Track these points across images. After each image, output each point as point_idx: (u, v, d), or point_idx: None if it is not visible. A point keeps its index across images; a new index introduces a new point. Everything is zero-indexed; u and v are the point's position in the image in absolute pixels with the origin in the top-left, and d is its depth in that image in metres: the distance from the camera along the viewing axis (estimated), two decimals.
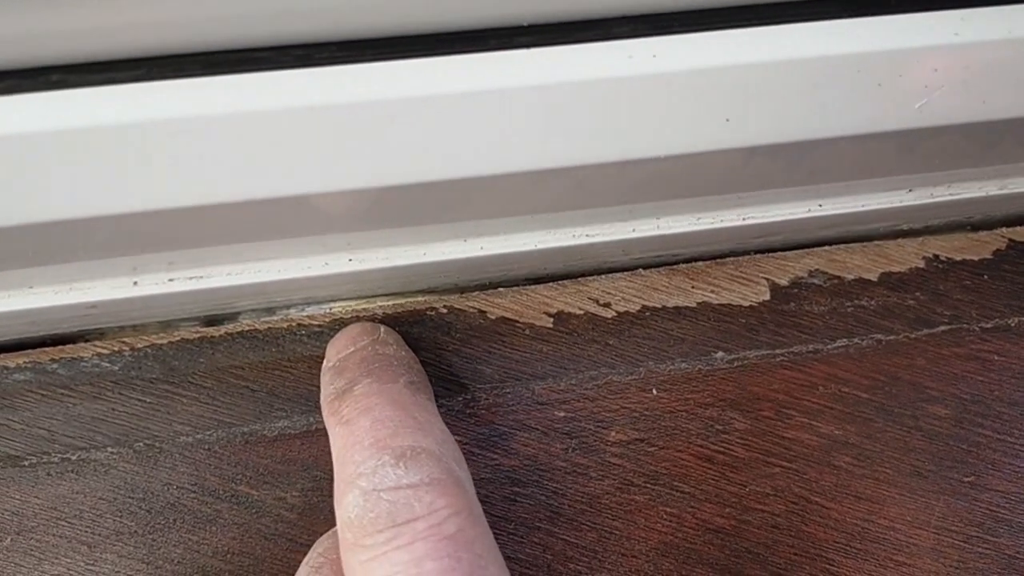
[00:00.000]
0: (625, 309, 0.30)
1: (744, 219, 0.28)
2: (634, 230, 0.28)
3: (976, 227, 0.32)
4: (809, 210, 0.28)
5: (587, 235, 0.28)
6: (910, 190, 0.28)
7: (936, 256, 0.31)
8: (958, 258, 0.31)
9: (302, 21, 0.21)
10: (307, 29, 0.21)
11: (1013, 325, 0.31)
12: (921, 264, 0.31)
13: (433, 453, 0.22)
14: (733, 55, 0.21)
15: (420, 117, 0.21)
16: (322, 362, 0.28)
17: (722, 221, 0.28)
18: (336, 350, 0.26)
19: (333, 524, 0.26)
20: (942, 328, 0.30)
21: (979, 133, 0.25)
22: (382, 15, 0.21)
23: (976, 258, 0.31)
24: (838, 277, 0.30)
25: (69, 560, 0.27)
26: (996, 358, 0.30)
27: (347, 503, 0.21)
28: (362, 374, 0.25)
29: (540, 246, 0.27)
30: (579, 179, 0.24)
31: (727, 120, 0.22)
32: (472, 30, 0.21)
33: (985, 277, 0.31)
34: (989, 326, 0.30)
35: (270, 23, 0.21)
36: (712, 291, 0.30)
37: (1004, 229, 0.32)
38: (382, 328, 0.27)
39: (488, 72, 0.21)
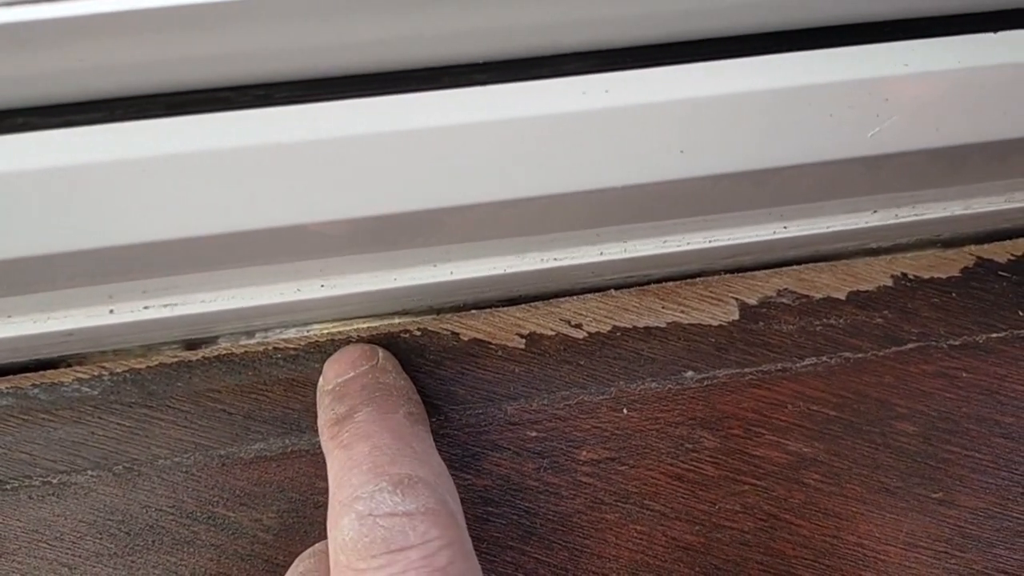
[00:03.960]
0: (596, 330, 0.30)
1: (710, 241, 0.28)
2: (602, 253, 0.28)
3: (946, 245, 0.33)
4: (774, 232, 0.29)
5: (555, 259, 0.28)
6: (874, 211, 0.29)
7: (904, 274, 0.31)
8: (926, 276, 0.31)
9: (275, 61, 0.22)
10: (276, 68, 0.22)
11: (981, 342, 0.31)
12: (889, 282, 0.31)
13: (429, 483, 0.22)
14: (684, 89, 0.21)
15: (387, 151, 0.22)
16: (299, 384, 0.28)
17: (688, 244, 0.28)
18: (335, 373, 0.27)
19: (309, 544, 0.27)
20: (910, 345, 0.31)
21: (936, 158, 0.25)
22: (349, 55, 0.22)
23: (944, 276, 0.31)
24: (806, 296, 0.31)
25: None
26: (964, 375, 0.31)
27: (343, 525, 0.21)
28: (363, 402, 0.25)
29: (509, 270, 0.28)
30: (542, 207, 0.24)
31: (681, 151, 0.22)
32: (433, 68, 0.22)
33: (953, 295, 0.31)
34: (957, 343, 0.31)
35: (240, 63, 0.21)
36: (682, 311, 0.30)
37: (972, 247, 0.32)
38: (380, 353, 0.28)
39: (449, 108, 0.22)
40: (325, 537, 0.27)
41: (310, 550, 0.25)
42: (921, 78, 0.22)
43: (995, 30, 0.23)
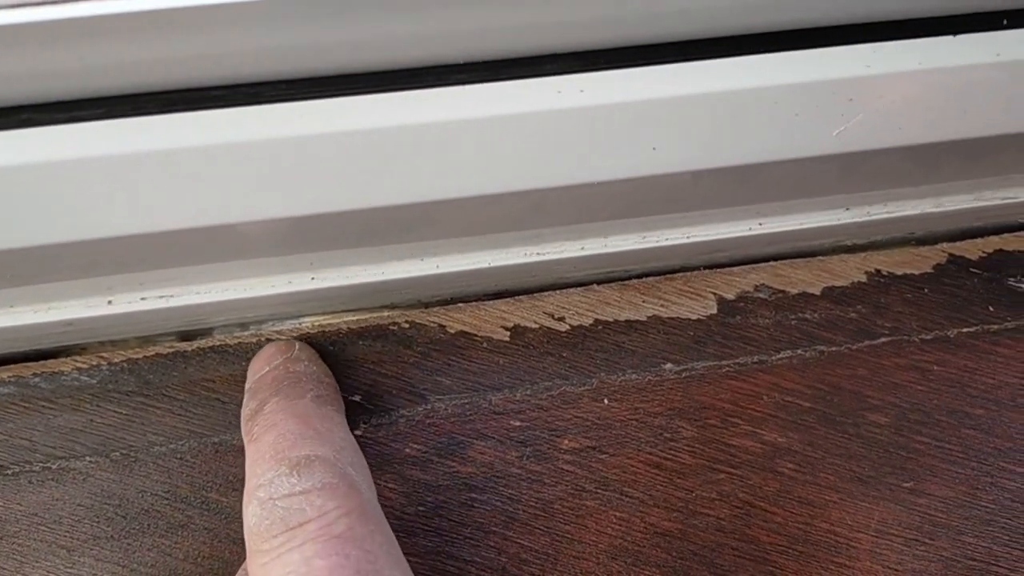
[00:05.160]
0: (579, 323, 0.31)
1: (688, 237, 0.29)
2: (583, 248, 0.29)
3: (920, 242, 0.34)
4: (750, 228, 0.30)
5: (538, 253, 0.29)
6: (847, 208, 0.30)
7: (878, 271, 0.32)
8: (899, 272, 0.32)
9: (266, 61, 0.23)
10: (267, 68, 0.23)
11: (952, 336, 0.32)
12: (863, 278, 0.32)
13: (328, 460, 0.23)
14: (656, 89, 0.22)
15: (371, 148, 0.23)
16: None
17: (667, 239, 0.29)
18: (253, 371, 0.28)
19: None
20: (883, 340, 0.32)
21: (902, 156, 0.26)
22: (335, 56, 0.23)
23: (917, 272, 0.32)
24: (783, 291, 0.32)
25: (49, 563, 0.28)
26: (935, 368, 0.32)
27: (248, 513, 0.22)
28: (272, 393, 0.26)
29: (494, 264, 0.29)
30: (523, 203, 0.25)
31: (653, 148, 0.23)
32: (416, 68, 0.23)
33: (925, 291, 0.32)
34: (929, 337, 0.32)
35: (232, 63, 0.22)
36: (662, 305, 0.31)
37: (945, 244, 0.33)
38: (297, 345, 0.29)
39: (430, 107, 0.23)
40: None
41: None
42: (884, 79, 0.23)
43: (954, 33, 0.24)
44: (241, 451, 0.29)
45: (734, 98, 0.23)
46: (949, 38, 0.24)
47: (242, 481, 0.29)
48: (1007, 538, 0.30)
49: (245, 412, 0.26)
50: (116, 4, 0.19)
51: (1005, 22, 0.24)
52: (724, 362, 0.31)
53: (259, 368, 0.28)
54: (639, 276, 0.32)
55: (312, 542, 0.21)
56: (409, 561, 0.23)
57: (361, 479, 0.24)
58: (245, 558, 0.28)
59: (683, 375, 0.31)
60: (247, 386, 0.28)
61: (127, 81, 0.22)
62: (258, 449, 0.24)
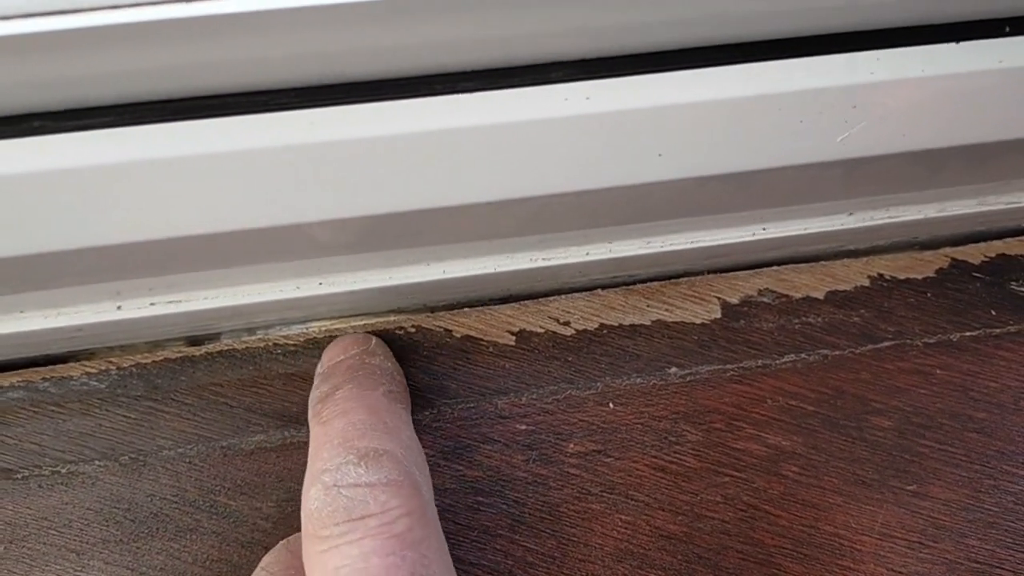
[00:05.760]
0: (584, 327, 0.31)
1: (692, 242, 0.30)
2: (588, 254, 0.29)
3: (923, 246, 0.34)
4: (754, 233, 0.30)
5: (544, 259, 0.29)
6: (850, 213, 0.30)
7: (881, 275, 0.33)
8: (902, 277, 0.33)
9: (275, 69, 0.23)
10: (276, 76, 0.23)
11: (955, 340, 0.32)
12: (866, 283, 0.32)
13: (395, 456, 0.23)
14: (661, 96, 0.23)
15: (380, 155, 0.23)
16: (298, 379, 0.30)
17: (671, 244, 0.30)
18: (328, 357, 0.28)
19: None
20: (886, 343, 0.32)
21: (905, 162, 0.26)
22: (344, 64, 0.23)
23: (920, 277, 0.33)
24: (786, 296, 0.32)
25: (59, 567, 0.29)
26: (938, 372, 0.32)
27: (311, 496, 0.22)
28: (346, 380, 0.26)
29: (499, 269, 0.29)
30: (529, 209, 0.25)
31: (659, 155, 0.23)
32: (424, 76, 0.23)
33: (928, 295, 0.32)
34: (932, 341, 0.32)
35: (243, 71, 0.23)
36: (666, 309, 0.32)
37: (948, 249, 0.33)
38: (374, 340, 0.29)
39: (438, 114, 0.23)
40: None
41: (276, 547, 0.27)
42: (887, 86, 0.24)
43: (957, 40, 0.24)
44: (248, 455, 0.29)
45: (738, 105, 0.23)
46: (952, 45, 0.24)
47: (250, 485, 0.29)
48: (1010, 540, 0.30)
49: (316, 394, 0.26)
50: (104, 15, 0.19)
51: (1007, 29, 0.24)
52: (728, 366, 0.31)
53: (335, 355, 0.28)
54: (644, 281, 0.32)
55: (372, 538, 0.21)
56: None
57: (423, 480, 0.24)
58: (253, 563, 0.28)
59: (687, 379, 0.31)
60: (319, 370, 0.28)
61: (135, 89, 0.22)
62: (326, 433, 0.24)
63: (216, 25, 0.19)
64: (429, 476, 0.25)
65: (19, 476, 0.29)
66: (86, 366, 0.30)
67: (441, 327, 0.31)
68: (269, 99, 0.22)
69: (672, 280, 0.32)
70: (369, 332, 0.30)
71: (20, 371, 0.29)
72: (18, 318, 0.27)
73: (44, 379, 0.29)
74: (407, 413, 0.27)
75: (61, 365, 0.30)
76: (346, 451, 0.23)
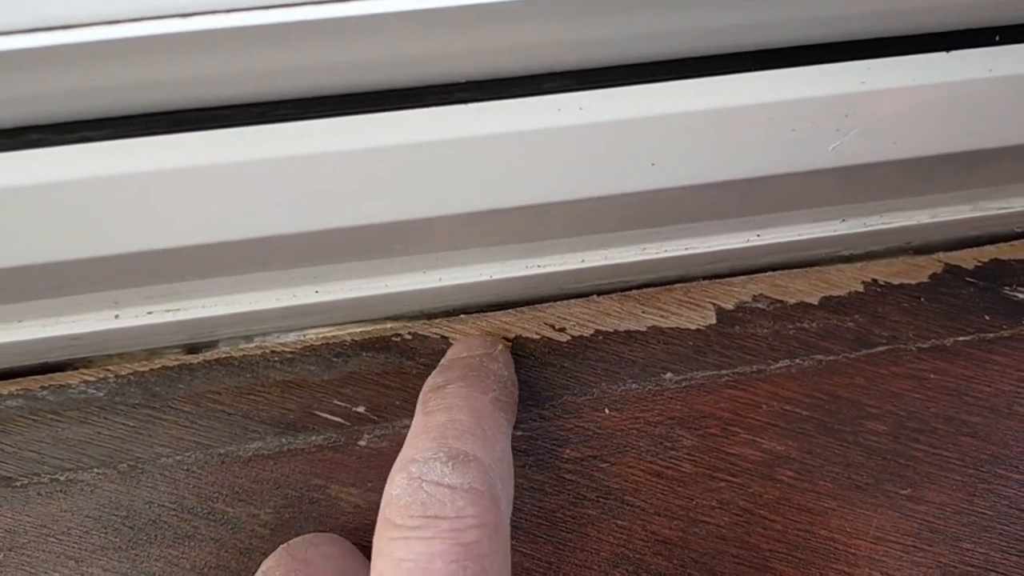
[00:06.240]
0: (579, 333, 0.31)
1: (687, 249, 0.30)
2: (584, 260, 0.30)
3: (916, 252, 0.34)
4: (748, 240, 0.30)
5: (539, 266, 0.29)
6: (843, 220, 0.30)
7: (875, 280, 0.33)
8: (896, 282, 0.33)
9: (271, 82, 0.23)
10: (272, 88, 0.23)
11: (949, 345, 0.32)
12: (860, 288, 0.33)
13: (483, 465, 0.23)
14: (654, 106, 0.23)
15: (376, 165, 0.23)
16: (295, 386, 0.30)
17: (666, 251, 0.30)
18: (453, 351, 0.29)
19: None
20: (880, 348, 0.32)
21: (897, 169, 0.26)
22: (340, 76, 0.23)
23: (914, 282, 0.33)
24: (781, 301, 0.32)
25: (58, 574, 0.29)
26: (932, 376, 0.32)
27: (395, 481, 0.23)
28: (459, 377, 0.27)
29: (495, 276, 0.29)
30: (523, 217, 0.26)
31: (652, 164, 0.24)
32: (418, 87, 0.23)
33: (922, 300, 0.33)
34: (926, 346, 0.32)
35: (240, 83, 0.23)
36: (662, 315, 0.32)
37: (941, 254, 0.33)
38: (500, 345, 0.29)
39: (433, 125, 0.23)
40: (317, 531, 0.28)
41: (273, 553, 0.27)
42: (878, 95, 0.24)
43: (948, 49, 0.24)
44: (246, 463, 0.29)
45: (731, 114, 0.23)
46: (943, 54, 0.24)
47: (248, 492, 0.29)
48: (1004, 544, 0.31)
49: (429, 383, 0.27)
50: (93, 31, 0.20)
51: (997, 38, 0.24)
52: (723, 371, 0.31)
53: (459, 351, 0.28)
54: (639, 287, 0.32)
55: (440, 540, 0.21)
56: None
57: (504, 496, 0.24)
58: (251, 570, 0.29)
59: (683, 384, 0.31)
60: (442, 361, 0.28)
61: (129, 101, 0.22)
62: (427, 424, 0.24)
63: (208, 40, 0.19)
64: (512, 493, 0.25)
65: (18, 484, 0.29)
66: (84, 374, 0.30)
67: (437, 334, 0.31)
68: (263, 111, 0.22)
69: (667, 286, 0.32)
70: (366, 340, 0.31)
71: (18, 379, 0.30)
72: (16, 327, 0.27)
73: (42, 387, 0.29)
74: (509, 426, 0.27)
75: (59, 373, 0.30)
76: (439, 447, 0.23)
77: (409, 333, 0.31)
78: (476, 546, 0.21)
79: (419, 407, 0.26)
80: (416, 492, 0.22)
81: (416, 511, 0.22)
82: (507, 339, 0.31)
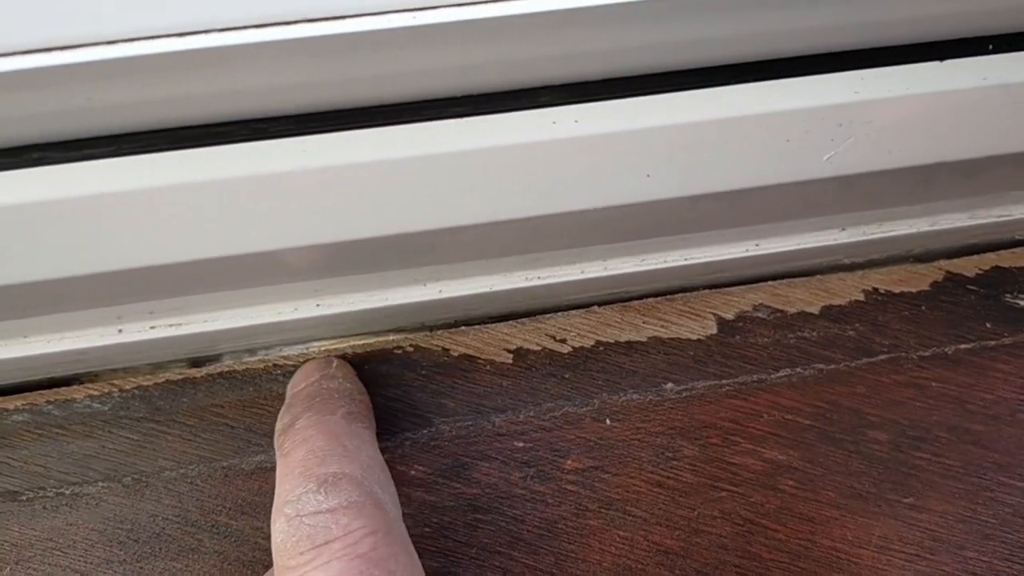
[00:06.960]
0: (580, 344, 0.32)
1: (686, 259, 0.30)
2: (583, 272, 0.30)
3: (917, 260, 0.34)
4: (747, 250, 0.30)
5: (539, 277, 0.30)
6: (843, 229, 0.30)
7: (876, 289, 0.33)
8: (897, 290, 0.33)
9: (270, 99, 0.23)
10: (271, 105, 0.23)
11: (950, 353, 0.32)
12: (861, 297, 0.33)
13: (355, 478, 0.23)
14: (648, 118, 0.23)
15: (375, 179, 0.24)
16: None
17: (665, 261, 0.30)
18: (291, 386, 0.29)
19: None
20: (881, 357, 0.32)
21: (893, 178, 0.27)
22: (339, 92, 0.23)
23: (914, 290, 0.33)
24: (781, 311, 0.32)
25: None
26: (934, 385, 0.32)
27: (276, 530, 0.23)
28: (304, 408, 0.27)
29: (496, 288, 0.30)
30: (522, 229, 0.26)
31: (648, 176, 0.24)
32: (416, 102, 0.23)
33: (923, 308, 0.33)
34: (927, 354, 0.32)
35: (240, 100, 0.23)
36: (662, 326, 0.32)
37: (942, 262, 0.33)
38: (335, 363, 0.29)
39: (431, 138, 0.23)
40: None
41: None
42: (872, 104, 0.24)
43: (941, 59, 0.24)
44: (249, 476, 0.30)
45: (725, 125, 0.23)
46: (936, 63, 0.24)
47: (251, 505, 0.29)
48: (1007, 552, 0.30)
49: (278, 427, 0.27)
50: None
51: (990, 47, 0.24)
52: (724, 381, 0.31)
53: (296, 384, 0.28)
54: (639, 297, 0.32)
55: (337, 560, 0.21)
56: None
57: (387, 498, 0.24)
58: None
59: (684, 395, 0.31)
60: (286, 401, 0.28)
61: (135, 120, 0.23)
62: (288, 465, 0.24)
63: (207, 58, 0.20)
64: (395, 492, 0.25)
65: (24, 498, 0.29)
66: (89, 388, 0.30)
67: (439, 346, 0.31)
68: (263, 127, 0.23)
69: (668, 296, 0.32)
70: (369, 352, 0.31)
71: (24, 394, 0.30)
72: (21, 343, 0.28)
73: (48, 402, 0.30)
74: (369, 432, 0.27)
75: (64, 388, 0.30)
76: (306, 480, 0.23)
77: (411, 345, 0.31)
78: (374, 552, 0.22)
79: (277, 454, 0.26)
80: (298, 529, 0.22)
81: (305, 546, 0.22)
82: (341, 357, 0.31)
